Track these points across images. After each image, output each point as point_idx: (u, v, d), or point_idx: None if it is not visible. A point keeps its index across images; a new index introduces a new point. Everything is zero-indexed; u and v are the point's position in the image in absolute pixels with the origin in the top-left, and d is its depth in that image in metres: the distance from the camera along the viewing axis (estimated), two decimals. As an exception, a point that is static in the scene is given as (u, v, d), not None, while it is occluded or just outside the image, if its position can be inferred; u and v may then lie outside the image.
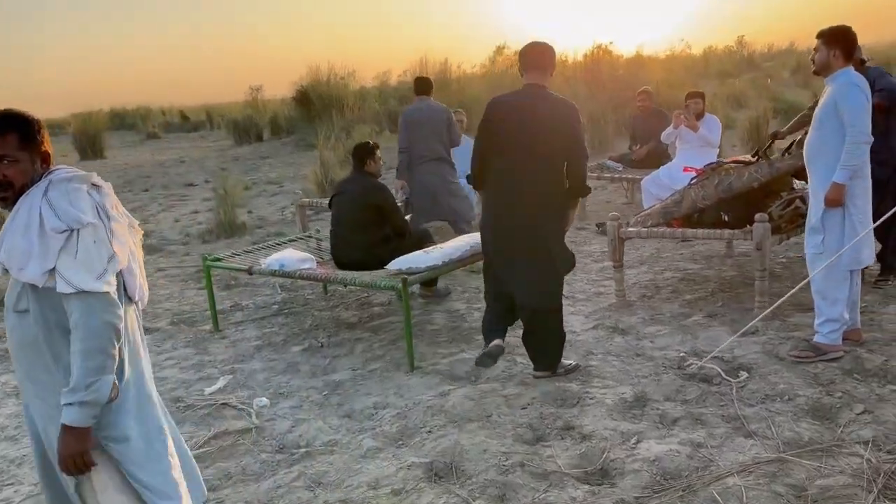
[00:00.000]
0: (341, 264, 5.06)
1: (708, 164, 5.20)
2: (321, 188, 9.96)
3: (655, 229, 4.94)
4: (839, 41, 3.70)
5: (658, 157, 7.96)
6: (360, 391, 4.07)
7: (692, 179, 5.14)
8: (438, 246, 4.66)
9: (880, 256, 4.77)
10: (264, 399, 4.01)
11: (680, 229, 4.87)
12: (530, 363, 4.06)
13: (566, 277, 3.96)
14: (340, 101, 15.26)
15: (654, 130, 8.03)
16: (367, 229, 4.97)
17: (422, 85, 6.43)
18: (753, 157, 4.87)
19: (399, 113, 7.89)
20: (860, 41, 3.94)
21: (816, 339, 3.87)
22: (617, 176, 7.83)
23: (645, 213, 5.21)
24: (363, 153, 5.17)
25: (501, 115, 3.67)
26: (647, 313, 4.93)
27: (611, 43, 16.04)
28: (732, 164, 4.91)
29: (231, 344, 5.01)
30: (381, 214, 5.04)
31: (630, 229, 5.06)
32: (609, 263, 6.22)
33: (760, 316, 4.13)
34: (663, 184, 6.97)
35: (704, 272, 5.78)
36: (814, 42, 3.79)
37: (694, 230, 4.84)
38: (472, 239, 4.72)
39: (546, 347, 3.87)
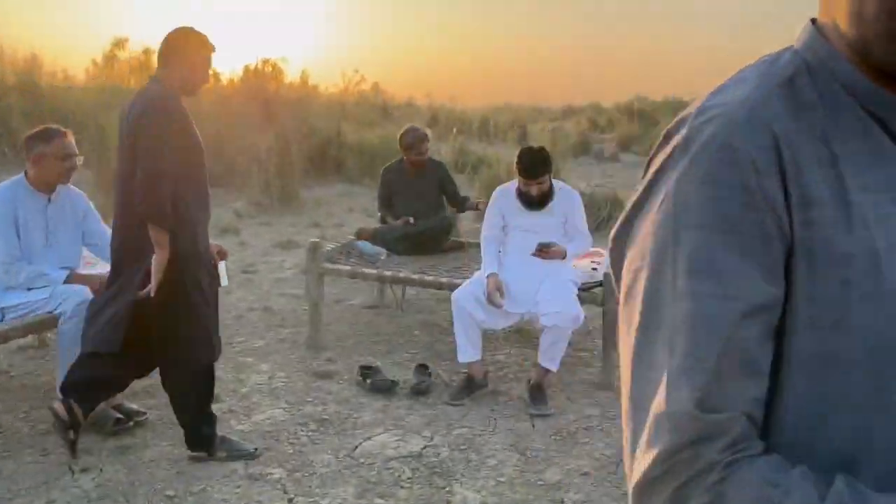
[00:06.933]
0: None
1: None
2: None
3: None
4: None
5: (438, 235, 4.49)
6: None
7: None
8: None
9: None
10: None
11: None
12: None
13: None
14: None
15: (430, 192, 4.56)
16: None
17: None
18: None
19: None
20: None
21: None
22: (388, 273, 4.06)
23: None
24: None
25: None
26: None
27: (283, 59, 11.73)
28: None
29: None
30: None
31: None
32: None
33: None
34: (484, 303, 3.46)
35: None
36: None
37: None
38: None
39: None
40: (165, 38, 2.71)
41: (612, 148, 16.58)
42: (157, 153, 2.51)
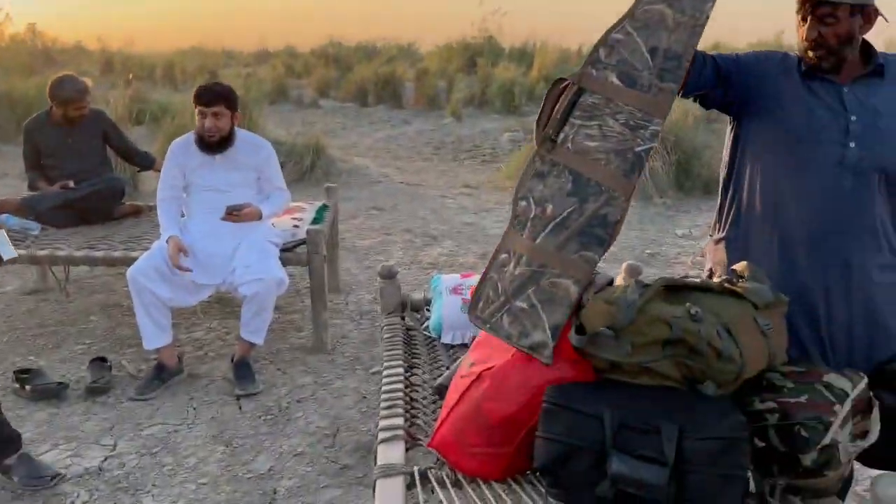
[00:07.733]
0: None
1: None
2: None
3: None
4: None
5: (107, 200, 3.81)
6: None
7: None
8: None
9: None
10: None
11: None
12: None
13: None
14: None
15: (92, 148, 3.84)
16: None
17: None
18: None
19: None
20: None
21: None
22: (43, 252, 3.29)
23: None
24: None
25: None
26: None
27: None
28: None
29: None
30: None
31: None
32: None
33: None
34: (169, 277, 2.99)
35: None
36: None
37: None
38: None
39: None
40: None
41: (310, 94, 16.21)
42: None
